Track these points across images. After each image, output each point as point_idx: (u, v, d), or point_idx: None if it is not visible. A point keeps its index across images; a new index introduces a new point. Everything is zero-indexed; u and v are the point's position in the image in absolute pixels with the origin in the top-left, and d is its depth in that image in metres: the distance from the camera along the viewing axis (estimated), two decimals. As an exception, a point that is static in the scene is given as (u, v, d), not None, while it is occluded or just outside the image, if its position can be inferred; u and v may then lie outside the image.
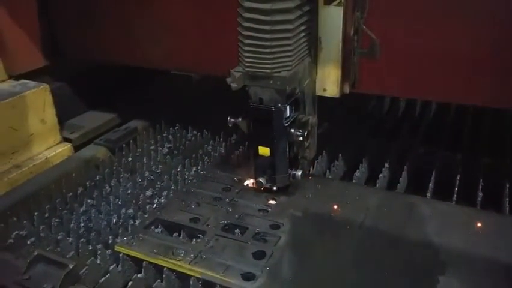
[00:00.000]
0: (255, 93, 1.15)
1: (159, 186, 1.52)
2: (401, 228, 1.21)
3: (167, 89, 2.19)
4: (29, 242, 1.29)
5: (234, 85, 1.13)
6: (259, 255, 1.15)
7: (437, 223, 1.23)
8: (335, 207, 1.30)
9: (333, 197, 1.35)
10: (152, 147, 1.78)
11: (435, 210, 1.28)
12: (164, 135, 1.88)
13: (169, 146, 1.80)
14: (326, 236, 1.22)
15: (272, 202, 1.32)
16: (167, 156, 1.71)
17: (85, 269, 1.17)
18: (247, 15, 1.08)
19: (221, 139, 1.81)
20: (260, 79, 1.11)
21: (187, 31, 1.70)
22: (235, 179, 1.45)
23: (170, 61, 1.81)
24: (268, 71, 1.09)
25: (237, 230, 1.23)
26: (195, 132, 1.89)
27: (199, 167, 1.61)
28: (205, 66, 1.74)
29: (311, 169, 1.54)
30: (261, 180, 1.21)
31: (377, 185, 1.50)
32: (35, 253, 1.17)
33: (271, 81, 1.10)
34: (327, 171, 1.60)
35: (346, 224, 1.24)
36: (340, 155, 1.64)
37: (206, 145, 1.77)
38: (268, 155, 1.16)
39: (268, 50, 1.08)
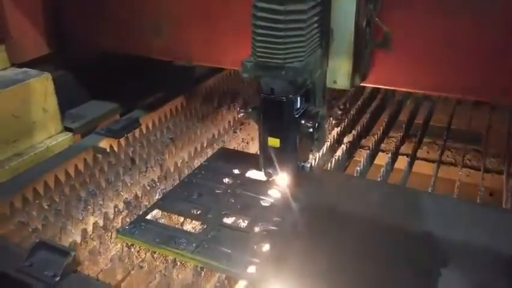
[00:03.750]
0: (266, 84, 1.13)
1: (161, 176, 1.51)
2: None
3: (170, 79, 2.18)
4: (30, 230, 1.27)
5: (245, 75, 1.12)
6: (261, 245, 1.15)
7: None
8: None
9: (337, 189, 1.35)
10: (154, 137, 1.76)
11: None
12: (167, 125, 1.86)
13: (171, 136, 1.78)
14: (329, 228, 1.22)
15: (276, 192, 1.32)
16: (170, 146, 1.69)
17: (87, 256, 1.15)
18: (260, 4, 1.06)
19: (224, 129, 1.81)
20: (272, 69, 1.09)
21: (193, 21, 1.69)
22: (238, 169, 1.44)
23: (175, 52, 1.79)
24: (280, 61, 1.08)
25: (239, 220, 1.23)
26: (196, 122, 1.88)
27: (202, 157, 1.60)
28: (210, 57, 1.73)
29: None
30: (269, 171, 1.20)
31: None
32: (37, 240, 1.16)
33: (283, 72, 1.08)
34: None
35: (349, 217, 1.24)
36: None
37: (209, 135, 1.76)
38: (278, 146, 1.15)
39: (281, 40, 1.06)
